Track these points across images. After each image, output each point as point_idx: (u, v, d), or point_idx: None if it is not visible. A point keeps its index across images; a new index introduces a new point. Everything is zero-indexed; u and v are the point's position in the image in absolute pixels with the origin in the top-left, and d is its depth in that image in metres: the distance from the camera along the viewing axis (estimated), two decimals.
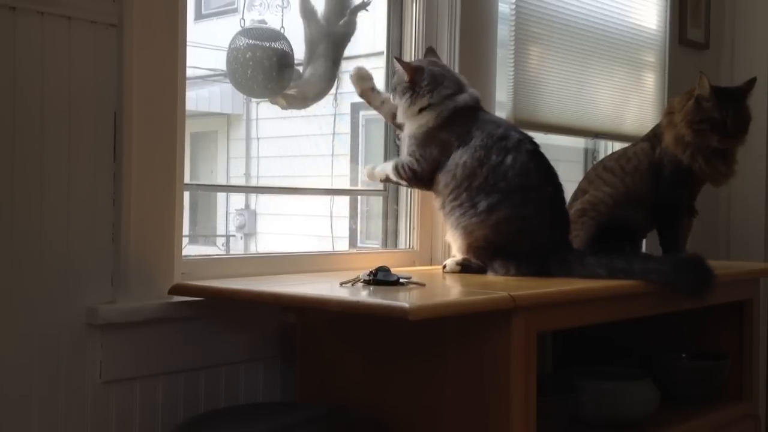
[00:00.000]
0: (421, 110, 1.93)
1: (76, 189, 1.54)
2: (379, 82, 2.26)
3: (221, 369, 1.77)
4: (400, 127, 2.04)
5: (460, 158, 1.88)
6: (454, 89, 1.94)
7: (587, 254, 1.87)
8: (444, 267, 1.94)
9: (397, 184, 2.06)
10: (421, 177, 1.94)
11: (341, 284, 1.63)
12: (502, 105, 2.42)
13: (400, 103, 1.96)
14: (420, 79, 1.93)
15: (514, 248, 1.83)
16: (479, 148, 1.86)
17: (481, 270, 1.87)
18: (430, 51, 2.08)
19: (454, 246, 1.93)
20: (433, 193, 1.97)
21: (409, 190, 2.26)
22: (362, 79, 2.05)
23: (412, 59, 2.22)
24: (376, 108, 2.08)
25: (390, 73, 2.26)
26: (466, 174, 1.86)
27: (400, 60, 1.97)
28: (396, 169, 1.97)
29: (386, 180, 2.04)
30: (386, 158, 2.30)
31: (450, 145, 1.90)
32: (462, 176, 1.87)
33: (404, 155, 1.98)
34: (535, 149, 1.89)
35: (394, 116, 2.02)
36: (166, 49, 1.65)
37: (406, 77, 1.93)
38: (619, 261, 1.80)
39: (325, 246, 2.64)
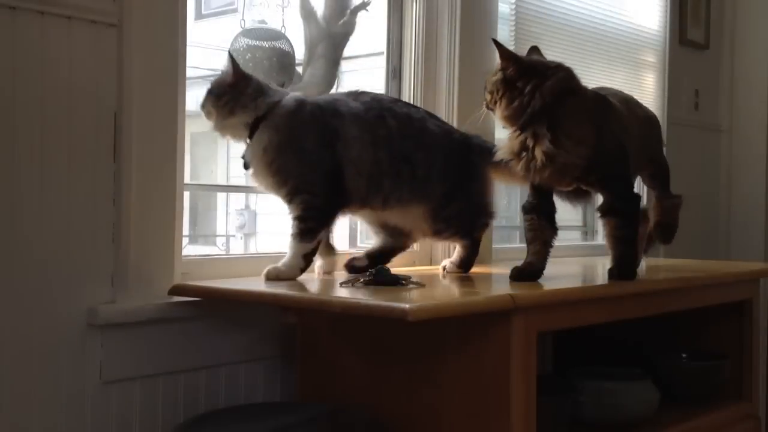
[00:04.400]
0: None
1: (76, 189, 1.54)
2: (380, 81, 2.26)
3: (221, 369, 1.77)
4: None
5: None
6: None
7: None
8: (444, 267, 1.94)
9: None
10: None
11: (341, 284, 1.63)
12: None
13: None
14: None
15: None
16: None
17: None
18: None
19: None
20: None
21: None
22: None
23: (421, 58, 2.22)
24: None
25: (390, 73, 2.25)
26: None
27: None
28: None
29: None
30: None
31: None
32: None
33: None
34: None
35: None
36: (166, 49, 1.65)
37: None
38: None
39: None
